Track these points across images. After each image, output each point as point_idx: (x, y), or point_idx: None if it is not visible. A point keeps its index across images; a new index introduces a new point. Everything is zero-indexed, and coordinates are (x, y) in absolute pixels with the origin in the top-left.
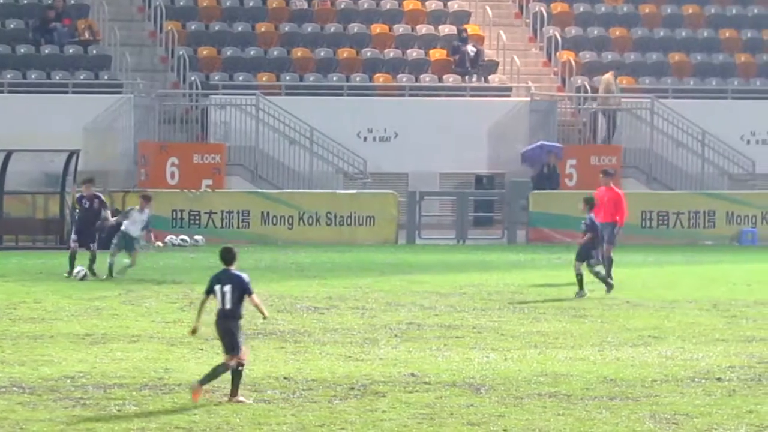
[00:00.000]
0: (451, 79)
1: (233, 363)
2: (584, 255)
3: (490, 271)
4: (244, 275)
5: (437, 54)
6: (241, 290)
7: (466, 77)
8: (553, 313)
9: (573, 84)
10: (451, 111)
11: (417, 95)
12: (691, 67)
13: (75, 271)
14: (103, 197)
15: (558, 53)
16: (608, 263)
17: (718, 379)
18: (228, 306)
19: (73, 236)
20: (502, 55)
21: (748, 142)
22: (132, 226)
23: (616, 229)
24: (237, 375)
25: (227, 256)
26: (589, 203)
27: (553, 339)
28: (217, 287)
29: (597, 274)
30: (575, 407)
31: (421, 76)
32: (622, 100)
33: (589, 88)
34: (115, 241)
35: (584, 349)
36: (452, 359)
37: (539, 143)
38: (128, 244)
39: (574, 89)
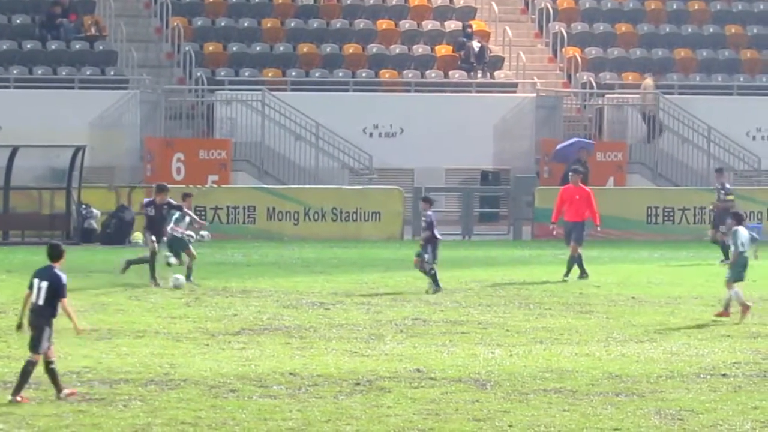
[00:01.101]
0: (456, 75)
1: (35, 359)
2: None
3: (496, 266)
4: (63, 276)
5: (443, 50)
6: (55, 290)
7: (472, 73)
8: (558, 309)
9: (578, 80)
10: (457, 107)
11: (422, 91)
12: (696, 63)
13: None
14: (173, 203)
15: (564, 49)
16: (577, 260)
17: (724, 375)
18: (40, 302)
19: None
20: (508, 51)
21: (754, 138)
22: (176, 230)
23: (592, 227)
24: (26, 375)
25: (52, 253)
26: (429, 201)
27: (558, 335)
28: (35, 281)
29: (429, 272)
30: (580, 403)
31: (427, 72)
32: (628, 96)
33: (594, 84)
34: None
35: (589, 345)
36: (458, 355)
37: (574, 140)
38: (181, 244)
39: (580, 85)
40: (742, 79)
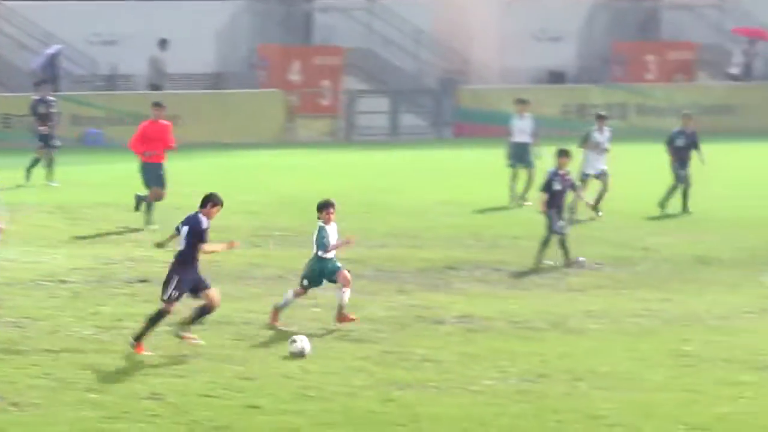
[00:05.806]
0: None
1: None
2: None
3: None
4: (204, 221)
5: None
6: (194, 235)
7: None
8: None
9: None
10: None
11: None
12: None
13: None
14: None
15: None
16: None
17: (62, 281)
18: (181, 247)
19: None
20: None
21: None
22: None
23: None
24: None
25: (203, 200)
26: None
27: None
28: (181, 226)
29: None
30: None
31: None
32: None
33: None
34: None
35: None
36: None
37: None
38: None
39: None
40: None
